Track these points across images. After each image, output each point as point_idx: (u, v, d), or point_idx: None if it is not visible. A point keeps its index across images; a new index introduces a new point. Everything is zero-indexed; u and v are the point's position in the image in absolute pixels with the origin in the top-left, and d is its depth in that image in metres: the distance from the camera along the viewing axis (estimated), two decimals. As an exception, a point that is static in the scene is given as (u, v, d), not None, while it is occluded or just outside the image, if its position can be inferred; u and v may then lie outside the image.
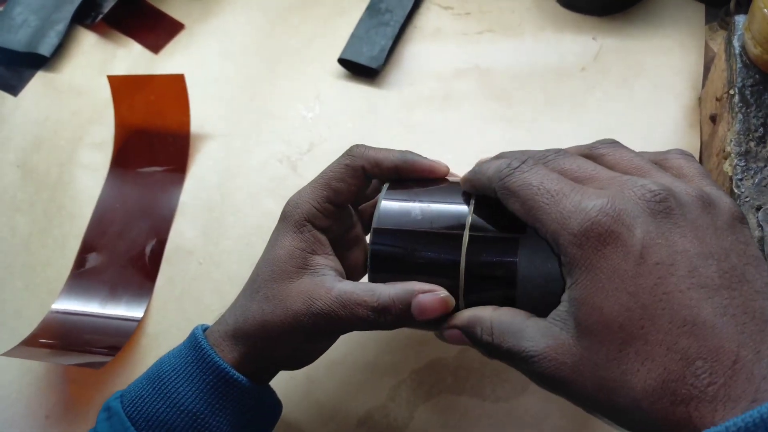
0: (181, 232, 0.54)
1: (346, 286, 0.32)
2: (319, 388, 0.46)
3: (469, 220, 0.32)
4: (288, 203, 0.36)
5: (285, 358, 0.36)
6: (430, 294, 0.31)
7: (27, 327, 0.51)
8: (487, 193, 0.31)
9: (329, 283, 0.33)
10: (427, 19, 0.60)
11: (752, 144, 0.38)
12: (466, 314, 0.31)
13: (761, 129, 0.38)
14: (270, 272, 0.34)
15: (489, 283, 0.31)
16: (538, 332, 0.27)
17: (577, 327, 0.25)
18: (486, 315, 0.30)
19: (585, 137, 0.51)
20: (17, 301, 0.53)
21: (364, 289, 0.32)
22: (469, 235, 0.32)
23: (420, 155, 0.36)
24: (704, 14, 0.54)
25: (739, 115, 0.39)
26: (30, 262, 0.55)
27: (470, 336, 0.30)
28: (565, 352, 0.25)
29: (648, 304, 0.24)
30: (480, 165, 0.32)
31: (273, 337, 0.33)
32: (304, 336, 0.33)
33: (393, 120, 0.56)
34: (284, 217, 0.36)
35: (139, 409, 0.33)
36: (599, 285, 0.25)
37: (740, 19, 0.42)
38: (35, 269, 0.55)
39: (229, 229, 0.54)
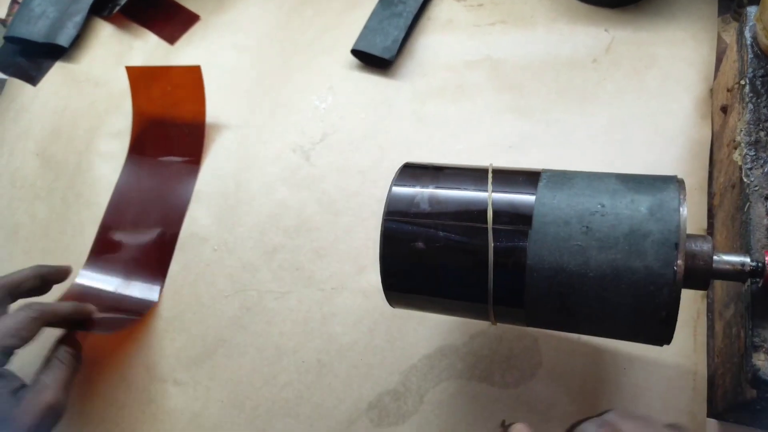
0: (196, 219, 0.55)
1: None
2: (330, 372, 0.46)
3: (490, 214, 0.33)
4: None
5: None
6: None
7: (46, 310, 0.52)
8: None
9: None
10: (439, 10, 0.61)
11: (762, 134, 0.38)
12: None
13: (771, 119, 0.38)
14: None
15: (506, 272, 0.32)
16: None
17: None
18: None
19: (596, 128, 0.52)
20: (37, 286, 0.55)
21: None
22: (494, 228, 0.32)
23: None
24: (717, 6, 0.54)
25: (750, 105, 0.39)
26: (49, 247, 0.56)
27: None
28: None
29: None
30: None
31: None
32: None
33: (405, 111, 0.56)
34: None
35: None
36: None
37: (752, 10, 0.42)
38: (54, 255, 0.56)
39: (243, 216, 0.54)
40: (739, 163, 0.38)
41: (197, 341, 0.50)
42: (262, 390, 0.47)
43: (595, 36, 0.56)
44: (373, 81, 0.58)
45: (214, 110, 0.60)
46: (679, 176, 0.34)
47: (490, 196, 0.33)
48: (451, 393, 0.44)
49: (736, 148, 0.39)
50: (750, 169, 0.37)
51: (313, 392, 0.46)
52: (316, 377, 0.46)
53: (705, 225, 0.45)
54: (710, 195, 0.46)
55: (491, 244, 0.32)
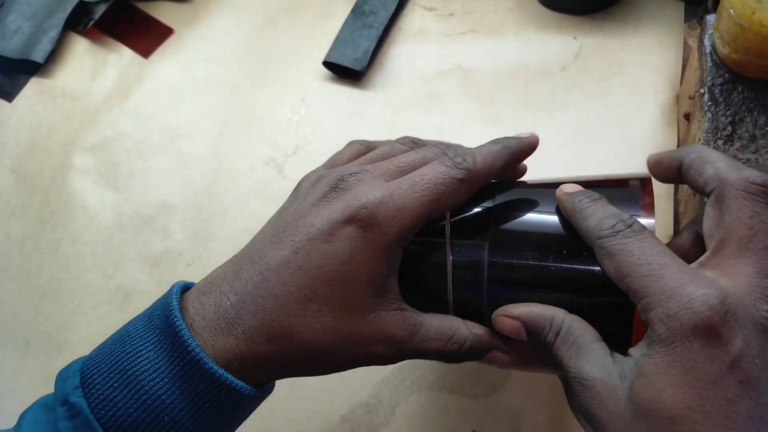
0: (170, 234, 0.55)
1: (428, 331, 0.31)
2: (303, 385, 0.47)
3: (448, 228, 0.33)
4: (379, 206, 0.29)
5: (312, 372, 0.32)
6: (504, 355, 0.32)
7: (21, 329, 0.53)
8: (585, 240, 0.29)
9: (410, 324, 0.30)
10: (410, 20, 0.61)
11: (720, 142, 0.38)
12: (535, 309, 0.29)
13: (729, 127, 0.39)
14: (339, 296, 0.29)
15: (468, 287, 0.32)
16: (599, 362, 0.26)
17: (630, 389, 0.25)
18: (560, 316, 0.28)
19: (564, 136, 0.52)
20: (12, 304, 0.55)
21: (444, 334, 0.31)
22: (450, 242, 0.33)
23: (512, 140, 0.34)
24: (683, 12, 0.55)
25: (708, 114, 0.39)
26: (24, 265, 0.56)
27: (534, 331, 0.29)
28: (611, 397, 0.25)
29: (711, 413, 0.23)
30: (578, 200, 0.29)
31: (324, 364, 0.30)
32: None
33: (377, 121, 0.57)
34: (372, 225, 0.29)
35: (108, 411, 0.28)
36: (671, 371, 0.23)
37: (711, 19, 0.42)
38: (29, 272, 0.56)
39: (217, 230, 0.55)
40: (699, 171, 0.38)
41: (172, 357, 0.50)
42: (236, 405, 0.47)
43: (564, 44, 0.56)
44: (345, 92, 0.59)
45: (188, 123, 0.60)
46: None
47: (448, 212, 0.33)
48: (422, 404, 0.44)
49: (695, 157, 0.39)
50: (708, 178, 0.38)
51: (287, 406, 0.46)
52: (290, 391, 0.47)
53: (671, 232, 0.46)
54: (676, 202, 0.46)
55: (449, 258, 0.33)
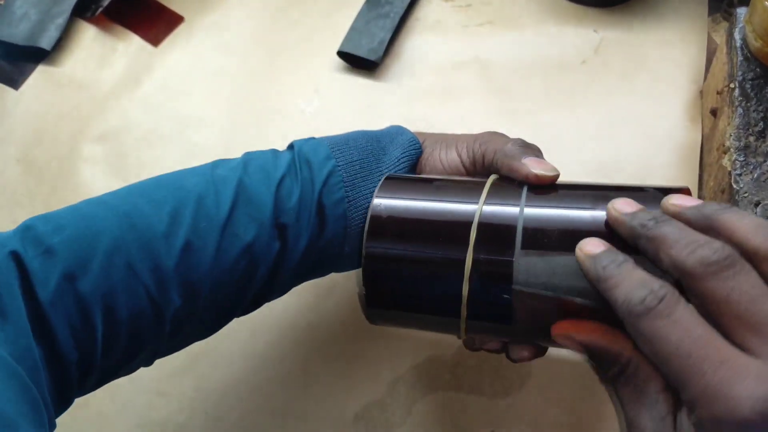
0: (181, 226, 0.54)
1: None
2: (317, 383, 0.46)
3: (473, 235, 0.31)
4: None
5: None
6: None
7: (28, 320, 0.51)
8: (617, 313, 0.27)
9: None
10: (427, 11, 0.60)
11: (752, 138, 0.37)
12: (599, 340, 0.28)
13: (761, 123, 0.38)
14: None
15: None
16: (658, 420, 0.25)
17: None
18: (626, 354, 0.27)
19: (585, 131, 0.51)
20: (18, 295, 0.54)
21: None
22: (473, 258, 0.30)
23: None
24: (707, 6, 0.53)
25: (739, 109, 0.38)
26: (31, 255, 0.55)
27: (597, 359, 0.28)
28: None
29: None
30: (601, 266, 0.27)
31: None
32: None
33: (392, 113, 0.56)
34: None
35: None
36: None
37: (742, 12, 0.41)
38: (36, 263, 0.55)
39: (228, 223, 0.53)
40: (729, 168, 0.37)
41: (181, 351, 0.49)
42: (248, 401, 0.46)
43: (584, 37, 0.55)
44: (359, 83, 0.57)
45: (198, 113, 0.59)
46: (669, 180, 0.33)
47: (474, 229, 0.31)
48: (439, 404, 0.43)
49: (725, 153, 0.38)
50: (739, 174, 0.37)
51: (300, 403, 0.45)
52: (303, 387, 0.46)
53: (695, 230, 0.45)
54: (701, 199, 0.45)
55: (467, 272, 0.31)
